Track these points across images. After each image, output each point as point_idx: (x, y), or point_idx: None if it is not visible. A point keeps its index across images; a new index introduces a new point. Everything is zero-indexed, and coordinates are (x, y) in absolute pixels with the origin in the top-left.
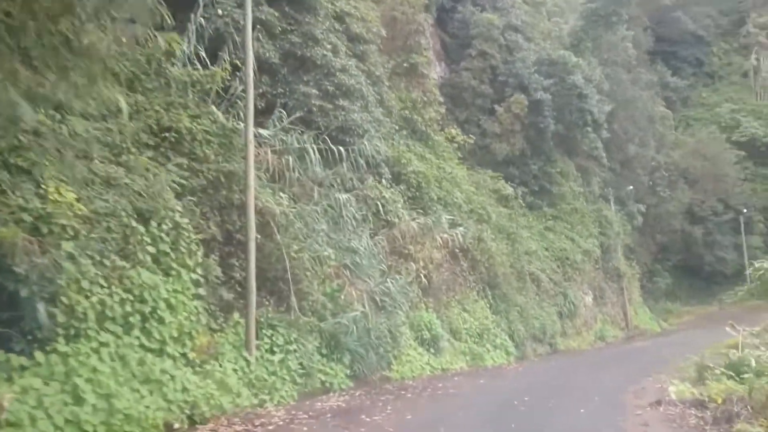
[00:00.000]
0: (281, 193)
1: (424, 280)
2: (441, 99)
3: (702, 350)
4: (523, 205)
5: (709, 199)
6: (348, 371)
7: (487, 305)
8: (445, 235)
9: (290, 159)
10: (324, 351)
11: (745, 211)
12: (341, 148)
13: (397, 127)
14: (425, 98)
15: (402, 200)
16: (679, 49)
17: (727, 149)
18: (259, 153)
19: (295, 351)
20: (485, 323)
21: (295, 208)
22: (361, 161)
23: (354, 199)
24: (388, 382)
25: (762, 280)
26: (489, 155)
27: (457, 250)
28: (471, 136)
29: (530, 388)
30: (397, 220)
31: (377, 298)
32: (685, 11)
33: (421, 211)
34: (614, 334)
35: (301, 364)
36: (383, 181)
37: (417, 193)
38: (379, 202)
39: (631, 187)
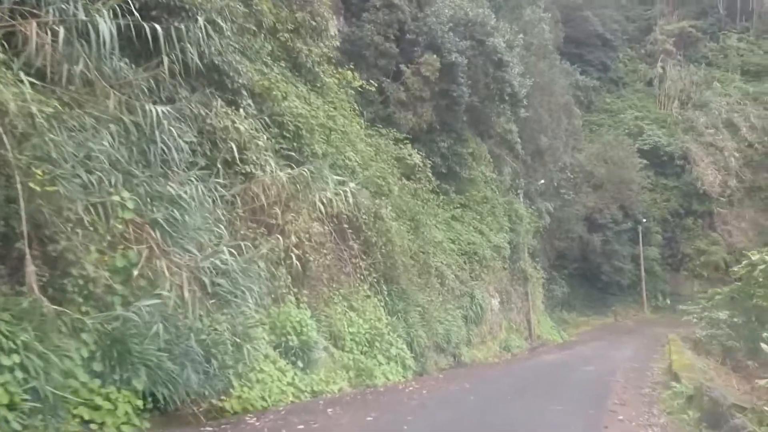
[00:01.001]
0: (22, 75)
1: (296, 263)
2: (336, 31)
3: (623, 365)
4: (432, 179)
5: (611, 207)
6: (142, 402)
7: (382, 304)
8: (328, 195)
9: (63, 32)
10: (98, 366)
11: (644, 221)
12: (158, 27)
13: (270, 48)
14: (314, 23)
15: (270, 146)
16: (585, 52)
17: (633, 154)
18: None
19: (21, 366)
20: (378, 327)
21: (54, 108)
22: (193, 54)
23: (183, 123)
24: (219, 418)
25: (749, 279)
26: (391, 126)
27: (345, 226)
28: (372, 82)
29: None
30: (260, 172)
31: (206, 280)
32: (594, 12)
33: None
34: (519, 344)
35: (33, 390)
36: (242, 111)
37: (295, 144)
38: (233, 143)
39: (543, 181)
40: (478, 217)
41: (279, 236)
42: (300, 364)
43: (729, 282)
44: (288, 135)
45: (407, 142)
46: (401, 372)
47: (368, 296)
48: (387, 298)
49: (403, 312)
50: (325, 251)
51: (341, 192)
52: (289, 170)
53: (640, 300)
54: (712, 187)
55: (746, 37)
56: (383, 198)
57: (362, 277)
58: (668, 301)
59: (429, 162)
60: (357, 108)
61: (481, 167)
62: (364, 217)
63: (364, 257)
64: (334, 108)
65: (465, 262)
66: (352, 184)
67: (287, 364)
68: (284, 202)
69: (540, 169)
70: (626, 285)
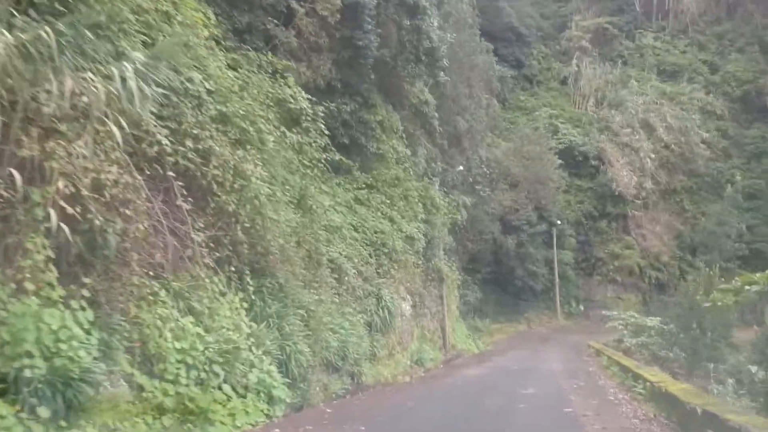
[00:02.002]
0: None
1: (61, 226)
2: None
3: (565, 384)
4: (324, 132)
5: (526, 207)
6: None
7: (244, 304)
8: (92, 80)
9: None
10: None
11: (559, 222)
12: None
13: None
14: None
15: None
16: (499, 47)
17: (551, 150)
18: None
19: None
20: (232, 340)
21: None
22: None
23: None
24: None
25: None
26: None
27: (172, 176)
28: None
29: None
30: None
31: None
32: (509, 3)
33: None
34: (433, 356)
35: None
36: None
37: (82, 36)
38: None
39: (462, 168)
40: (388, 201)
41: (14, 171)
42: (44, 410)
43: (644, 288)
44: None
45: (288, 75)
46: (264, 409)
47: (222, 293)
48: (254, 297)
49: (276, 317)
50: (131, 213)
51: (114, 74)
52: (20, 33)
53: (553, 306)
54: (627, 188)
55: (662, 36)
56: (249, 148)
57: (209, 263)
58: (581, 308)
59: (321, 109)
60: (216, 20)
61: (392, 141)
62: (215, 170)
63: (212, 229)
64: (174, 5)
65: (371, 255)
66: (138, 55)
67: (14, 412)
68: (38, 119)
69: (457, 157)
70: (539, 290)
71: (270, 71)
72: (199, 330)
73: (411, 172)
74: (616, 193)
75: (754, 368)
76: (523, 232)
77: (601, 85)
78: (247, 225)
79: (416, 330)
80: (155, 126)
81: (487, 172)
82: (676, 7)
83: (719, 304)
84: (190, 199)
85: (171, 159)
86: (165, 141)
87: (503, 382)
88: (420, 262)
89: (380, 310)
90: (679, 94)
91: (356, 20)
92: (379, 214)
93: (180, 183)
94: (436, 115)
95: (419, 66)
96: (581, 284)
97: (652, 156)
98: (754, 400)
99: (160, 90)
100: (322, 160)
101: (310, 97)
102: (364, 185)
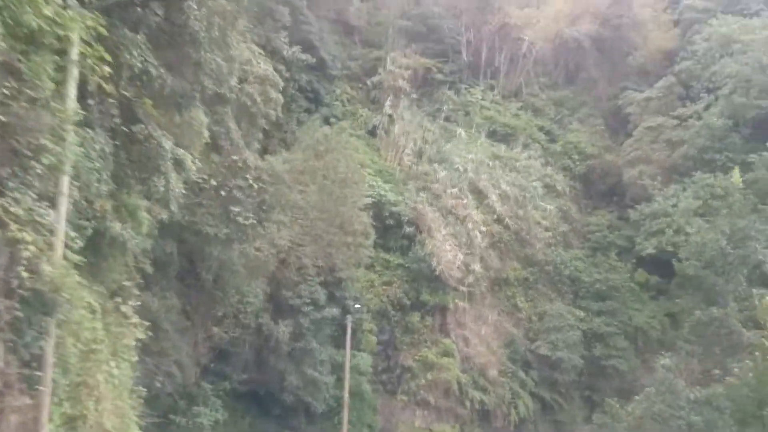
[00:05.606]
0: None
1: None
2: None
3: None
4: None
5: (309, 280)
6: None
7: None
8: None
9: None
10: None
11: (357, 307)
12: None
13: None
14: None
15: None
16: (294, 70)
17: (358, 171)
18: None
19: None
20: None
21: None
22: None
23: None
24: None
25: None
26: None
27: None
28: None
29: None
30: None
31: None
32: (316, 13)
33: None
34: None
35: None
36: None
37: None
38: None
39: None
40: None
41: None
42: None
43: (463, 416)
44: None
45: None
46: None
47: None
48: None
49: None
50: None
51: None
52: None
53: None
54: (451, 269)
55: (492, 95)
56: None
57: None
58: None
59: None
60: None
61: None
62: None
63: None
64: None
65: None
66: None
67: None
68: None
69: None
70: (320, 413)
71: None
72: None
73: None
74: (437, 273)
75: None
76: (304, 316)
77: (419, 138)
78: None
79: None
80: None
81: (254, 186)
82: (506, 69)
83: None
84: None
85: None
86: None
87: None
88: None
89: None
90: (513, 159)
91: None
92: None
93: None
94: None
95: None
96: (380, 406)
97: (483, 230)
98: None
99: None
100: None
101: None
102: None
